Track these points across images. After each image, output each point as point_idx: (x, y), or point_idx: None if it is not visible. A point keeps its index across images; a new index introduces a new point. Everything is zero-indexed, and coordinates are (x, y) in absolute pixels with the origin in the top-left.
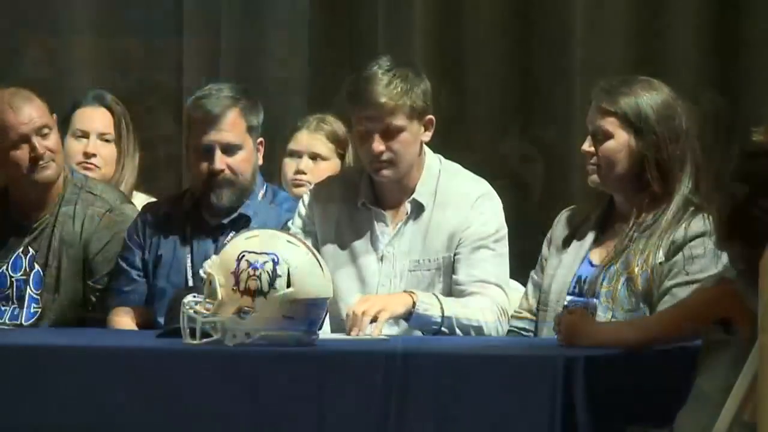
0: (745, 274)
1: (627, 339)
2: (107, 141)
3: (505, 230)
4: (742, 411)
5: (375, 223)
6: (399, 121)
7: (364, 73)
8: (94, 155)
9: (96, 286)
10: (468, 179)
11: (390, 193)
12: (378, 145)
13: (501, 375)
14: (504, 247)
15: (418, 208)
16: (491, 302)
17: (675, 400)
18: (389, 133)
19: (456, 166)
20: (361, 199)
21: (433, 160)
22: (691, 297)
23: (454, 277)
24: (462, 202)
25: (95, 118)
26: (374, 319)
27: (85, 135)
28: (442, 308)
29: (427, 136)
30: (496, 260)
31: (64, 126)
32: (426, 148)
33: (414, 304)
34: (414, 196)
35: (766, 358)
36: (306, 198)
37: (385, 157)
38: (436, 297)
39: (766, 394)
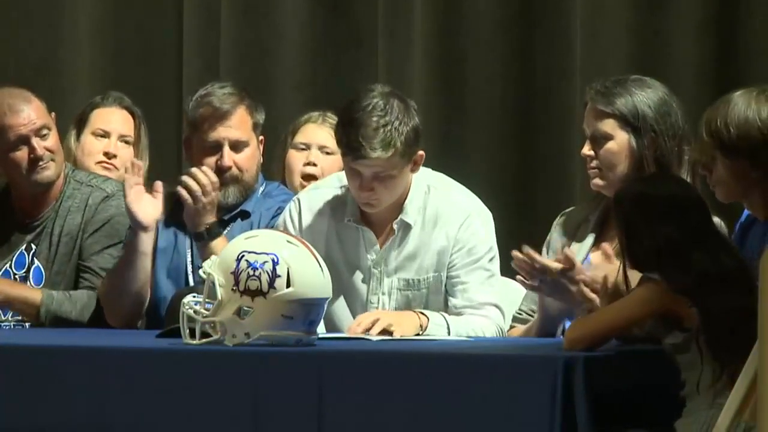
0: (663, 278)
1: (574, 338)
2: (127, 143)
3: (496, 248)
4: (742, 411)
5: (362, 241)
6: (390, 170)
7: (354, 115)
8: (114, 156)
9: (83, 264)
10: (457, 196)
11: (377, 213)
12: (367, 187)
13: (501, 375)
14: (496, 265)
15: (405, 227)
16: (491, 322)
17: (674, 400)
18: (379, 178)
19: (445, 181)
20: (348, 217)
21: (420, 177)
22: (624, 299)
23: (451, 300)
24: (451, 221)
25: (116, 119)
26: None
27: (106, 135)
28: (449, 330)
29: (417, 168)
30: (490, 281)
31: (80, 125)
32: None
33: (422, 326)
34: (401, 216)
35: (766, 359)
36: (293, 210)
37: (373, 197)
38: (444, 318)
39: (766, 394)
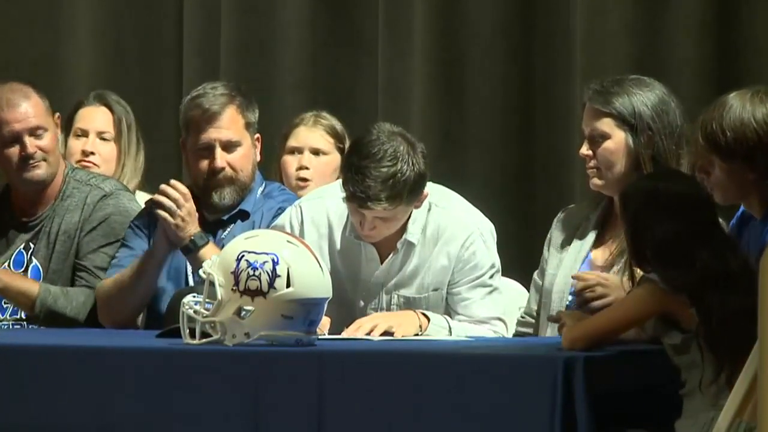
0: (662, 279)
1: (573, 337)
2: (106, 140)
3: (498, 262)
4: (742, 411)
5: (364, 256)
6: (395, 215)
7: (361, 162)
8: (92, 153)
9: (79, 263)
10: (458, 213)
11: None
12: (369, 227)
13: (501, 375)
14: (498, 279)
15: (408, 245)
16: (493, 334)
17: (674, 401)
18: (383, 219)
19: (446, 197)
20: (350, 232)
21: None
22: (624, 300)
23: (453, 315)
24: (452, 241)
25: (95, 117)
26: (387, 334)
27: (85, 134)
28: (450, 332)
29: (420, 205)
30: (493, 295)
31: (68, 127)
32: None
33: (421, 326)
34: (405, 236)
35: (766, 358)
36: (294, 218)
37: (374, 232)
38: (447, 320)
39: (767, 394)
